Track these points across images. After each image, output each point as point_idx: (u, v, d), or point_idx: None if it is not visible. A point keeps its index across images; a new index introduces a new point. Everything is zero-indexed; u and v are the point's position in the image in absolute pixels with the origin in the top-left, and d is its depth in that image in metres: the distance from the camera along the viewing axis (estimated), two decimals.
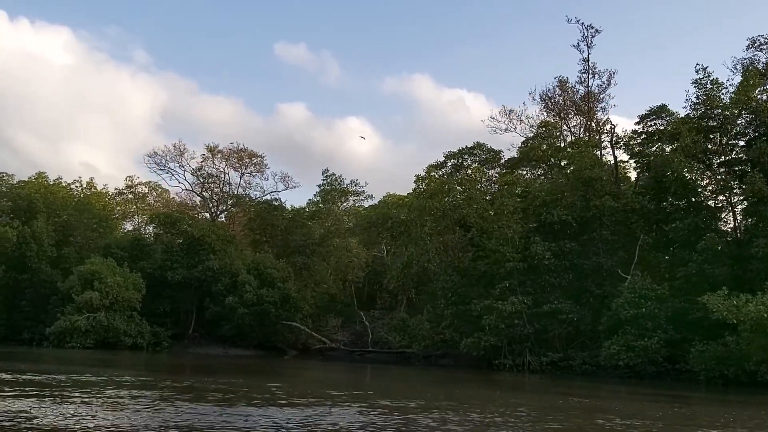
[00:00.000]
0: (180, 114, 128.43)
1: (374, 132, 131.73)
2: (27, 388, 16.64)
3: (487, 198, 38.06)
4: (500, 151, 46.31)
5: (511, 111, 50.06)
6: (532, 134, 48.27)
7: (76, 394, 15.83)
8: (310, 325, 51.39)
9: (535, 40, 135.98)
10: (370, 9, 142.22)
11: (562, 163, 44.81)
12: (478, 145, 46.42)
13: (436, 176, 41.16)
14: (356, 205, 67.15)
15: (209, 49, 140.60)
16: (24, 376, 20.54)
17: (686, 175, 33.34)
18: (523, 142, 45.77)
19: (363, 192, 62.43)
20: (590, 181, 34.83)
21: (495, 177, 43.90)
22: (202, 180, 67.30)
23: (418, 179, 42.67)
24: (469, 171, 42.50)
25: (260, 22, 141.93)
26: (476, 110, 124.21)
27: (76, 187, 64.73)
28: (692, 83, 35.59)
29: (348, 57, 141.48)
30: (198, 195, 68.66)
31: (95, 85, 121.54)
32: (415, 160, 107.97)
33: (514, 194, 38.09)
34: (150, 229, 77.43)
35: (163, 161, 67.64)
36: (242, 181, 67.40)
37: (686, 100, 37.55)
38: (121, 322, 46.39)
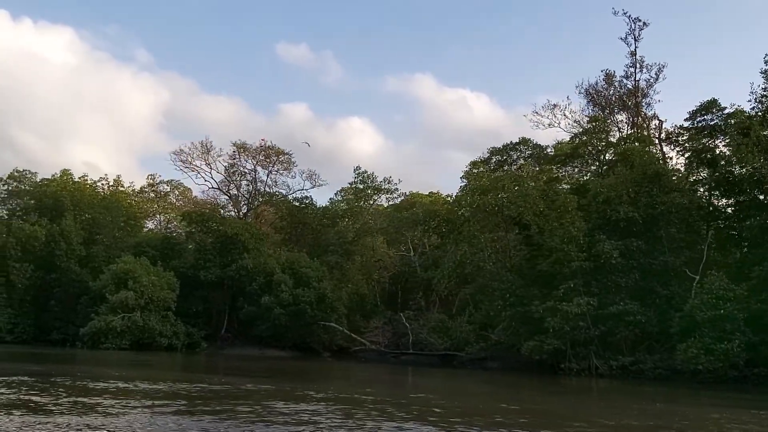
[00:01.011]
0: (181, 113, 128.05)
1: (376, 132, 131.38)
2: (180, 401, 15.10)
3: (541, 195, 36.42)
4: (546, 147, 44.87)
5: (555, 106, 48.63)
6: (577, 130, 46.99)
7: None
8: (345, 325, 50.04)
9: (537, 40, 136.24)
10: (371, 9, 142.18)
11: (609, 158, 43.50)
12: (524, 141, 44.96)
13: (483, 173, 39.55)
14: (377, 203, 65.77)
15: (211, 49, 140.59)
16: (142, 385, 19.04)
17: (759, 170, 31.75)
18: (571, 138, 44.31)
19: (396, 189, 60.89)
20: (656, 177, 33.33)
21: (544, 173, 42.33)
22: (228, 178, 66.05)
23: (466, 175, 41.23)
24: (521, 166, 41.00)
25: (262, 22, 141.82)
26: (479, 110, 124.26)
27: (102, 184, 63.48)
28: (761, 74, 34.09)
29: (349, 57, 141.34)
30: (225, 193, 67.34)
31: (97, 84, 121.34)
32: (417, 160, 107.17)
33: (571, 191, 36.60)
34: (170, 227, 76.80)
35: (189, 159, 66.33)
36: (269, 179, 66.29)
37: (751, 93, 36.13)
38: (156, 323, 45.10)
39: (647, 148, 40.02)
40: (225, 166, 60.22)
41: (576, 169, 44.06)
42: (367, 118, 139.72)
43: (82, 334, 44.21)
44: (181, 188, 78.59)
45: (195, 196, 76.72)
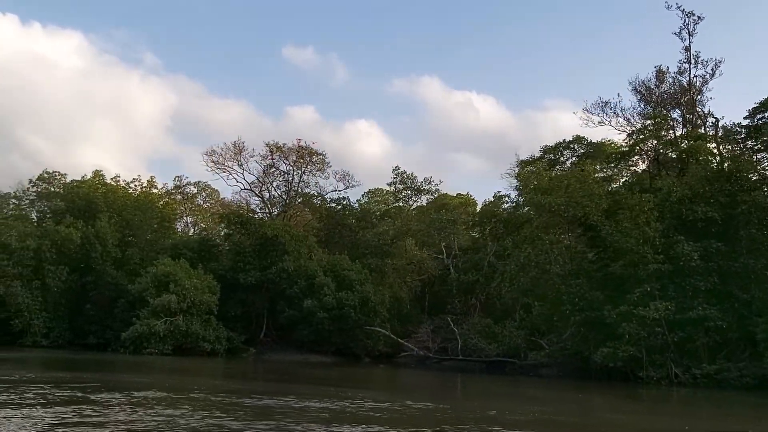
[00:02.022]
0: (190, 116, 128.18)
1: (383, 134, 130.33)
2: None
3: (607, 194, 34.95)
4: (602, 145, 43.23)
5: (606, 103, 47.00)
6: (630, 128, 45.45)
7: None
8: (389, 329, 48.65)
9: (544, 42, 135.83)
10: (376, 11, 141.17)
11: (670, 156, 41.97)
12: (577, 139, 43.40)
13: (544, 172, 37.99)
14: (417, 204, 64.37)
15: (218, 53, 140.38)
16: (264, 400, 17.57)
17: None
18: (628, 135, 42.75)
19: (437, 190, 59.43)
20: (736, 175, 31.71)
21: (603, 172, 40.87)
22: (261, 179, 64.81)
23: (519, 175, 39.77)
24: (583, 165, 39.42)
25: (268, 25, 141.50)
26: (485, 112, 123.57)
27: (135, 185, 62.39)
28: None
29: (356, 59, 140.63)
30: (257, 194, 66.05)
31: (105, 87, 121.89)
32: (425, 162, 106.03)
33: (641, 190, 35.06)
34: (199, 228, 75.73)
35: (222, 159, 65.11)
36: (301, 181, 65.00)
37: None
38: (199, 327, 43.83)
39: (713, 146, 38.45)
40: (263, 167, 58.61)
41: (632, 168, 42.47)
42: (374, 120, 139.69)
43: (124, 339, 42.93)
44: (208, 190, 77.90)
45: (223, 198, 75.91)
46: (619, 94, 53.77)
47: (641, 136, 41.03)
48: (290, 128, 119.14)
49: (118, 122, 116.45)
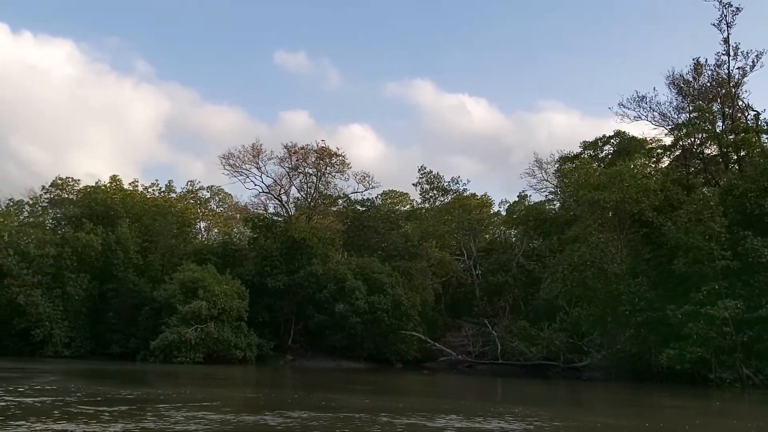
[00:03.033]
0: (183, 123, 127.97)
1: (377, 138, 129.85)
2: None
3: (661, 188, 33.64)
4: (644, 140, 41.97)
5: (642, 98, 45.76)
6: (666, 123, 44.24)
7: None
8: (425, 333, 47.25)
9: (534, 43, 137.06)
10: (366, 16, 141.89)
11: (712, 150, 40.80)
12: (618, 134, 42.11)
13: (593, 167, 36.65)
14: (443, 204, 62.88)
15: (210, 59, 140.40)
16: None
17: None
18: (670, 129, 41.51)
19: (466, 190, 58.08)
20: None
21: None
22: (278, 182, 63.30)
23: (561, 172, 38.44)
24: (634, 161, 38.16)
25: (258, 30, 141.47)
26: (478, 114, 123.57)
27: (154, 190, 60.85)
28: None
29: (348, 64, 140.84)
30: (276, 197, 64.54)
31: (98, 95, 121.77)
32: (419, 165, 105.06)
33: (690, 186, 33.83)
34: (214, 233, 74.23)
35: (239, 162, 63.60)
36: (320, 182, 63.53)
37: None
38: (231, 334, 42.30)
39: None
40: (286, 169, 57.08)
41: (678, 162, 41.21)
42: (368, 124, 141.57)
43: (153, 348, 41.35)
44: (221, 194, 76.44)
45: (236, 203, 74.49)
46: (654, 88, 52.01)
47: (685, 130, 39.72)
48: (285, 133, 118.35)
49: (112, 130, 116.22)
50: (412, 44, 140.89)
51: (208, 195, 76.22)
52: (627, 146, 42.90)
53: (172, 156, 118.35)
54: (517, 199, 63.82)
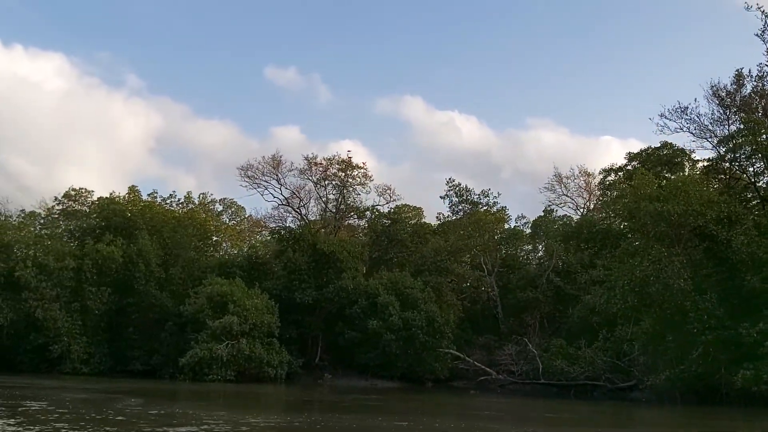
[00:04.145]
0: (174, 138, 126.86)
1: (368, 154, 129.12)
2: None
3: (725, 200, 32.28)
4: (692, 151, 40.76)
5: (685, 109, 44.53)
6: (708, 135, 43.06)
7: None
8: (463, 352, 45.51)
9: (523, 62, 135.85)
10: (356, 32, 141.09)
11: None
12: (665, 145, 40.84)
13: (650, 178, 35.10)
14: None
15: (201, 74, 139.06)
16: None
17: None
18: (719, 141, 40.23)
19: (496, 203, 56.65)
20: None
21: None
22: (297, 194, 61.71)
23: (603, 185, 36.94)
24: (690, 171, 36.86)
25: (249, 46, 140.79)
26: (467, 131, 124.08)
27: (172, 201, 59.13)
28: None
29: (338, 80, 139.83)
30: (295, 209, 62.90)
31: (88, 109, 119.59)
32: (410, 182, 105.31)
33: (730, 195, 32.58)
34: (226, 246, 72.40)
35: (258, 174, 62.01)
36: (342, 195, 62.01)
37: None
38: (262, 351, 40.45)
39: None
40: (313, 180, 55.52)
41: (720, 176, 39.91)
42: (358, 140, 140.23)
43: (182, 365, 39.42)
44: (234, 207, 74.79)
45: (249, 215, 72.87)
46: (696, 100, 50.96)
47: (735, 141, 38.44)
48: (276, 149, 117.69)
49: (102, 144, 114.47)
50: (402, 61, 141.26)
51: (221, 208, 74.74)
52: (672, 157, 41.64)
53: (162, 171, 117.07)
54: (542, 213, 62.69)
